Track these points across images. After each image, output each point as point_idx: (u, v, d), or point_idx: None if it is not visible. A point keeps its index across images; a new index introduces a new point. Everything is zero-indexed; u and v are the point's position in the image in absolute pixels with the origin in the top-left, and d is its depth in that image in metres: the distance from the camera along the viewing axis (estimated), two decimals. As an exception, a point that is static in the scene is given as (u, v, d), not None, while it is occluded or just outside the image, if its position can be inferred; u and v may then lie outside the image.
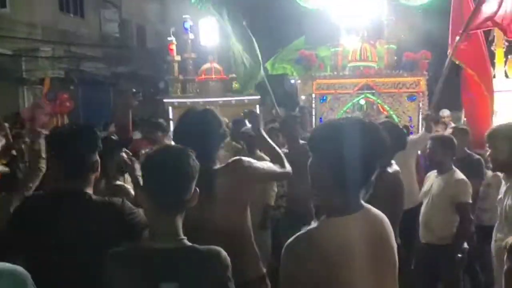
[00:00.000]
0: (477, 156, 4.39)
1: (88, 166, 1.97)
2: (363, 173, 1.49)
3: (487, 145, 3.00)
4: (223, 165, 2.24)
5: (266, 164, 2.39)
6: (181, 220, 1.59)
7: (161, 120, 5.39)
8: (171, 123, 8.41)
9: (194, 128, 2.15)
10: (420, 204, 3.86)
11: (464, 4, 5.67)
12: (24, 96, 13.09)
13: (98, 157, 2.02)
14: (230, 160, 2.27)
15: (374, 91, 6.90)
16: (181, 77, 9.29)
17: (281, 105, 7.38)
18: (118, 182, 2.98)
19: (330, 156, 1.48)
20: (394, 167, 2.98)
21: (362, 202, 1.55)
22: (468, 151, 4.50)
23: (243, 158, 2.27)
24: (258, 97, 9.20)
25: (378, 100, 6.94)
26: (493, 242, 2.91)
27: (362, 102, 7.12)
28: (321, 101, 7.03)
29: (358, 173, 1.48)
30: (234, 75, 9.10)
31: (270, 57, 9.57)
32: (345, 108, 7.01)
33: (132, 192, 2.65)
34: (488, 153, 2.99)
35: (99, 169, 2.04)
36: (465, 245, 3.59)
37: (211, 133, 2.21)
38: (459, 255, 3.52)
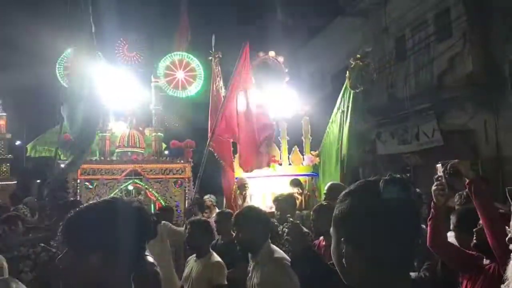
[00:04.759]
0: None
1: None
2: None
3: (234, 228, 3.24)
4: None
5: None
6: None
7: None
8: None
9: None
10: None
11: (218, 104, 6.30)
12: None
13: None
14: None
15: (142, 177, 6.95)
16: None
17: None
18: None
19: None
20: (148, 259, 2.95)
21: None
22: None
23: None
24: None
25: (146, 186, 6.98)
26: None
27: (130, 187, 7.05)
28: (87, 187, 6.70)
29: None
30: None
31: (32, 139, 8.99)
32: (112, 193, 6.80)
33: None
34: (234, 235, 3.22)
35: None
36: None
37: None
38: None
